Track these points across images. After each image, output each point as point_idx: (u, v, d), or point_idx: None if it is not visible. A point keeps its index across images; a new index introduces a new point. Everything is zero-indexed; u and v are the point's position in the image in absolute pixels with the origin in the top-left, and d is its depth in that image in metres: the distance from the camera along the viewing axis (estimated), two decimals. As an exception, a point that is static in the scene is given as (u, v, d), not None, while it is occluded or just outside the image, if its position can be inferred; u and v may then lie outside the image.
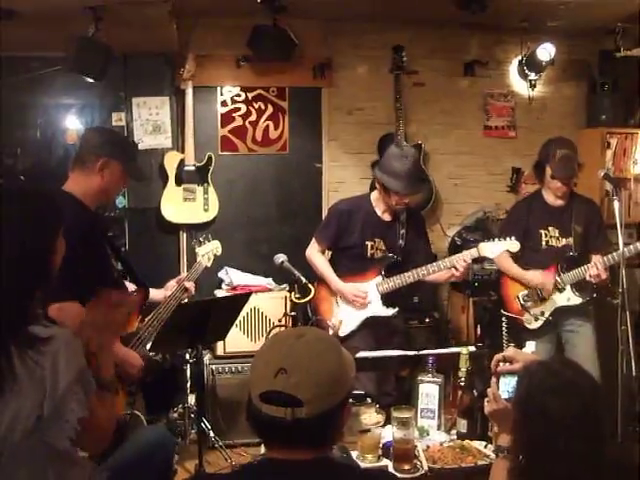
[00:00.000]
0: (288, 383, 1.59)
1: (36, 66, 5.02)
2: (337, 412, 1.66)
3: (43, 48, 4.82)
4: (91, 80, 4.49)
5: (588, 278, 4.08)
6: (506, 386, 2.29)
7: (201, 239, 4.18)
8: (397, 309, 4.16)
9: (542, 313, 4.28)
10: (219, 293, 5.06)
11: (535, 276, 4.27)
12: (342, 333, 4.11)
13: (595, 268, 4.03)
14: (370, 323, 4.15)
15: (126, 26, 4.32)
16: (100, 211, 5.18)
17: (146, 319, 3.20)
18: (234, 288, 5.05)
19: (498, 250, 3.97)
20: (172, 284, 3.71)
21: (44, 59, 4.97)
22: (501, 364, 2.34)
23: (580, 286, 4.25)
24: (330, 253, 4.41)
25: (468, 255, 3.95)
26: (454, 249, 5.44)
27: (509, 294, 4.42)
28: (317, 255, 4.24)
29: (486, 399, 2.35)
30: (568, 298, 4.25)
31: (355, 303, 4.12)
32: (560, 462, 1.86)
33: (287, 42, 5.06)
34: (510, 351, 2.37)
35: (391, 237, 4.16)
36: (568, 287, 4.24)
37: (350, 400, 3.05)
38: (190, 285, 3.71)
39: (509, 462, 2.05)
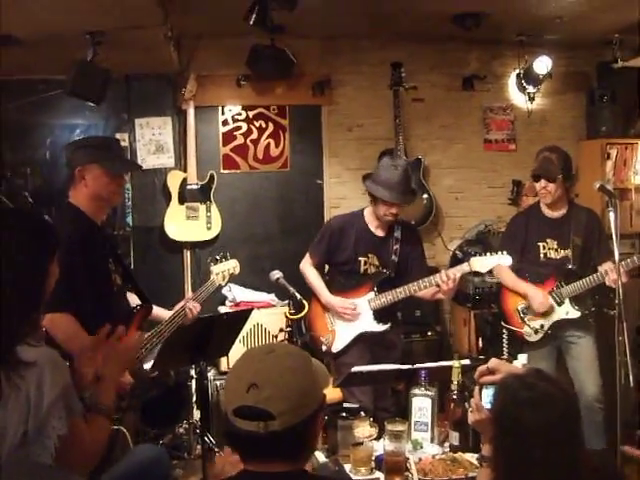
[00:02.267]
0: (260, 397, 1.63)
1: (42, 88, 5.15)
2: (310, 424, 1.70)
3: (46, 71, 4.94)
4: (90, 104, 4.57)
5: (608, 283, 4.02)
6: (489, 397, 2.32)
7: (217, 257, 4.10)
8: (389, 324, 4.14)
9: (542, 326, 4.27)
10: (223, 309, 5.11)
11: (535, 294, 4.26)
12: (335, 349, 4.13)
13: (614, 273, 3.92)
14: (365, 339, 4.13)
15: (125, 49, 4.40)
16: (110, 229, 5.30)
17: (146, 336, 3.24)
18: (237, 304, 5.12)
19: (489, 264, 3.95)
20: (180, 305, 3.73)
21: (48, 81, 5.09)
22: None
23: (578, 299, 4.25)
24: (327, 269, 4.41)
25: (459, 270, 3.93)
26: (455, 263, 5.43)
27: (509, 307, 4.42)
28: (309, 268, 4.25)
29: (469, 409, 2.39)
30: (567, 312, 4.24)
31: (345, 316, 4.11)
32: (537, 473, 1.89)
33: (285, 61, 5.14)
34: (493, 362, 2.40)
35: (384, 253, 4.14)
36: (567, 300, 4.24)
37: (343, 414, 3.13)
38: (194, 307, 3.70)
39: (490, 472, 2.09)
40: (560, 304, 4.25)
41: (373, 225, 4.16)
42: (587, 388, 4.26)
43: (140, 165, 4.79)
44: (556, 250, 4.29)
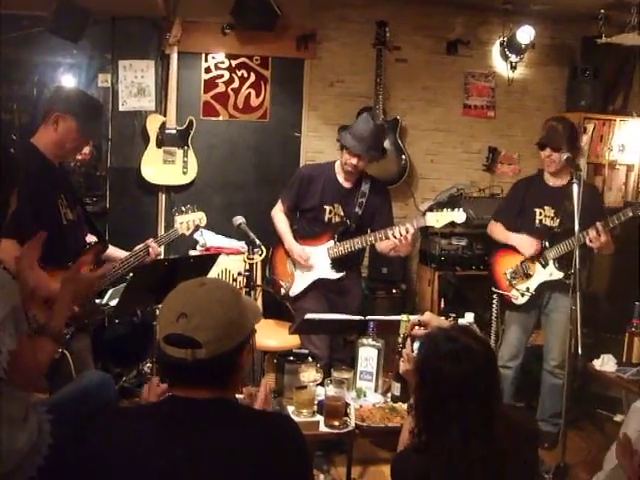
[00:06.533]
0: (188, 326, 1.72)
1: (27, 24, 5.10)
2: (235, 355, 1.80)
3: (32, 7, 4.91)
4: (68, 42, 4.58)
5: (588, 243, 4.04)
6: (419, 349, 2.43)
7: (184, 208, 4.13)
8: (344, 273, 4.27)
9: (527, 289, 4.37)
10: (193, 253, 5.19)
11: (524, 242, 4.37)
12: (293, 293, 4.28)
13: (594, 231, 4.01)
14: (321, 285, 4.27)
15: (107, -11, 4.41)
16: (92, 170, 5.38)
17: (99, 271, 3.33)
18: (208, 249, 5.19)
19: (444, 220, 4.07)
20: (139, 247, 3.81)
21: (34, 18, 5.03)
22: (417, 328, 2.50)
23: (562, 261, 4.29)
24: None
25: (414, 223, 4.04)
26: (425, 224, 5.58)
27: (498, 271, 4.53)
28: (279, 214, 4.41)
29: (401, 359, 2.50)
30: (550, 273, 4.31)
31: (298, 262, 4.27)
32: (453, 423, 1.99)
33: (269, 12, 5.15)
34: (426, 316, 2.51)
35: (350, 204, 4.26)
36: (551, 262, 4.30)
37: (291, 358, 3.23)
38: (154, 247, 3.74)
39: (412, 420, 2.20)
40: (545, 266, 4.33)
41: (342, 176, 4.29)
42: (552, 354, 4.40)
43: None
44: (552, 218, 4.33)
